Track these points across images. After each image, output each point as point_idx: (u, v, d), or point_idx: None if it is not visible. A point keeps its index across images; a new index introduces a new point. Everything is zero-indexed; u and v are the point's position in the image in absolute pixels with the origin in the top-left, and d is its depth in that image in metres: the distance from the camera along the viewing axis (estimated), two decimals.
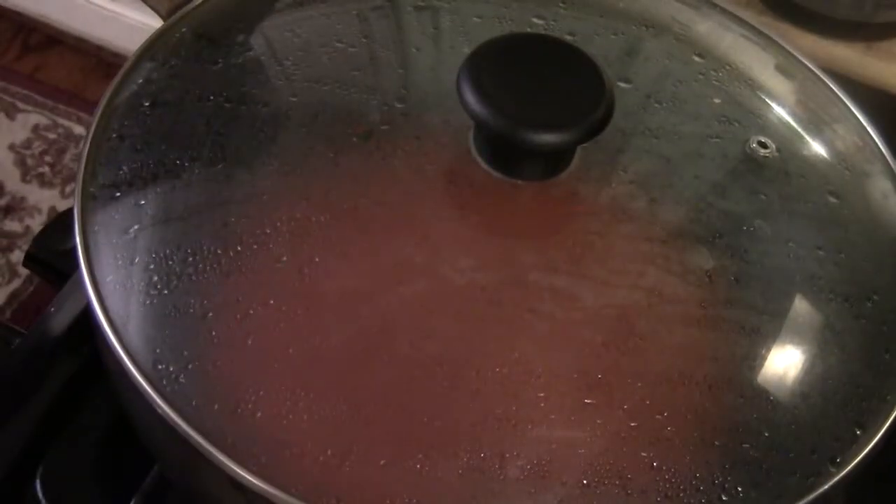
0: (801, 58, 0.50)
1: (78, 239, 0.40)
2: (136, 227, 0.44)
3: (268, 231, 0.48)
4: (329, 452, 0.40)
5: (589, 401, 0.39)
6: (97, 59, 1.18)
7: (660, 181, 0.45)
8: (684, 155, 0.46)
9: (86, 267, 0.40)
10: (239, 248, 0.47)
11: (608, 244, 0.44)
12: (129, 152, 0.45)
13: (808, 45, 0.55)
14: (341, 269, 0.45)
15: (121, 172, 0.44)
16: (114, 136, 0.44)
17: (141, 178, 0.45)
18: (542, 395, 0.39)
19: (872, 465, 0.38)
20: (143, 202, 0.44)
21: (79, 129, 1.12)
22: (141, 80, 0.46)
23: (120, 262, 0.41)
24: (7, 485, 0.46)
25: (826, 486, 0.37)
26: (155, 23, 0.47)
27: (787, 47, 0.50)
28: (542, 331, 0.41)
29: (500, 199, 0.40)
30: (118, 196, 0.43)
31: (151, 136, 0.46)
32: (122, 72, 0.46)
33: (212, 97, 0.48)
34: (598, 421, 0.39)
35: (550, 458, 0.38)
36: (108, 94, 0.45)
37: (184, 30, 0.48)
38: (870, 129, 0.48)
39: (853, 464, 0.38)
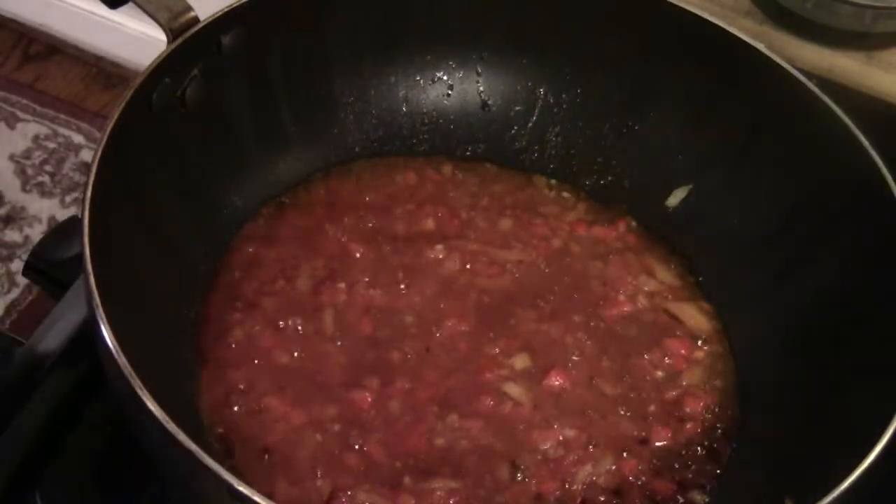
0: None
1: (87, 251, 0.38)
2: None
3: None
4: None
5: None
6: (97, 69, 1.17)
7: None
8: None
9: (93, 276, 0.38)
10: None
11: None
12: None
13: (808, 55, 0.55)
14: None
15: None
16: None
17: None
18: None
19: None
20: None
21: (78, 139, 1.12)
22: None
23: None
24: (6, 497, 0.46)
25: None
26: (155, 33, 0.47)
27: None
28: None
29: None
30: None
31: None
32: (136, 83, 0.44)
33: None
34: None
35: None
36: (120, 105, 0.43)
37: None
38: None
39: None
